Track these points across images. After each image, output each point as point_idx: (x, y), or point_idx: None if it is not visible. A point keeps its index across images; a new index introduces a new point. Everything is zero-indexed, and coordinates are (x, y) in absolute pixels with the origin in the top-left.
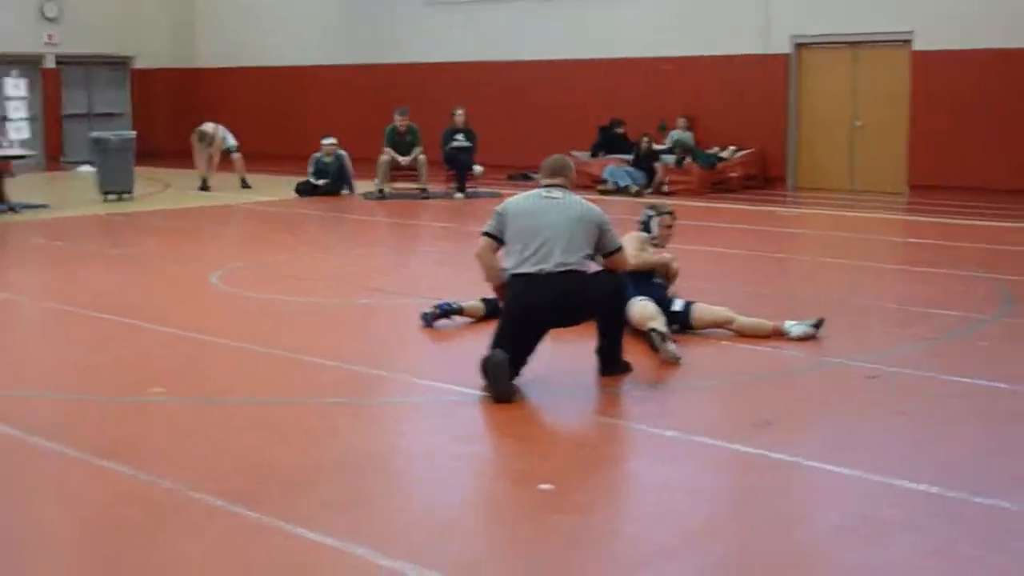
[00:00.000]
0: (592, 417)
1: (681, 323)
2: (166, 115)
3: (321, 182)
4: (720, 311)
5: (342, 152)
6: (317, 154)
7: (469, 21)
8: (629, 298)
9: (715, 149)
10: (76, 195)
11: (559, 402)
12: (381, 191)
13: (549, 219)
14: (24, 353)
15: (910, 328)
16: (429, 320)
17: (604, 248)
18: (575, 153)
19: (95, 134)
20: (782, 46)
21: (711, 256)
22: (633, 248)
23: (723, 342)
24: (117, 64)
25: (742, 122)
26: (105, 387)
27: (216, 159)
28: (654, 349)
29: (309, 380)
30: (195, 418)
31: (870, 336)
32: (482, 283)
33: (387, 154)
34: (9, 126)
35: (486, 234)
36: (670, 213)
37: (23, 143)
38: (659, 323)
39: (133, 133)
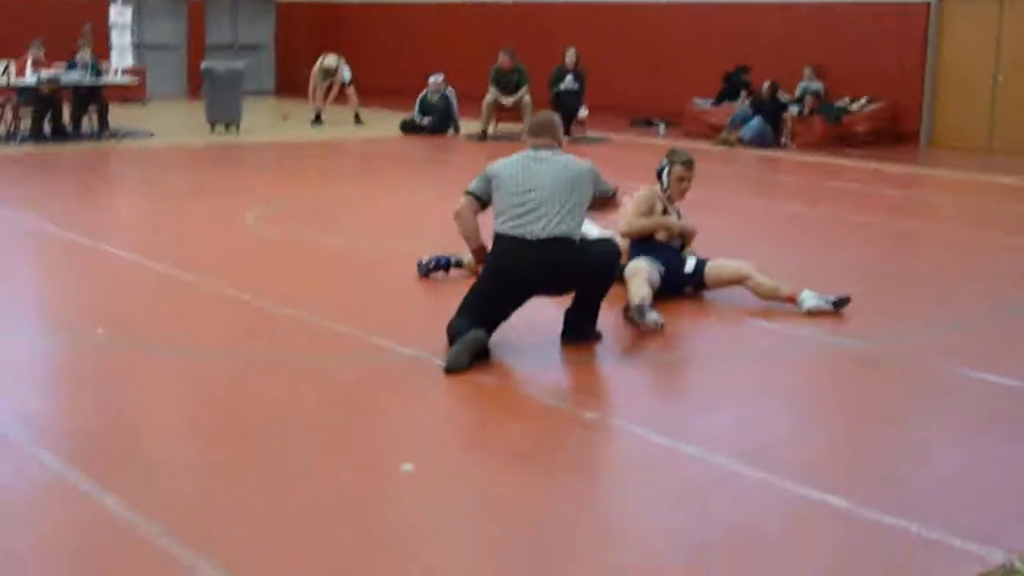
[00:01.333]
0: (522, 392)
1: (695, 284)
2: (307, 48)
3: (425, 120)
4: (737, 266)
5: (449, 90)
6: (424, 92)
7: None
8: (635, 257)
9: (845, 101)
10: (187, 125)
11: (509, 372)
12: (484, 132)
13: (540, 181)
14: None
15: (953, 308)
16: (424, 270)
17: (607, 196)
18: (696, 100)
19: (204, 64)
20: None
21: (782, 217)
22: (632, 211)
23: (732, 311)
24: None
25: (876, 74)
26: (53, 320)
27: (335, 92)
28: (632, 323)
29: (261, 331)
30: (109, 362)
31: (907, 315)
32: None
33: (491, 94)
34: (112, 53)
35: (469, 193)
36: (687, 162)
37: (126, 71)
38: (645, 297)
39: (241, 64)
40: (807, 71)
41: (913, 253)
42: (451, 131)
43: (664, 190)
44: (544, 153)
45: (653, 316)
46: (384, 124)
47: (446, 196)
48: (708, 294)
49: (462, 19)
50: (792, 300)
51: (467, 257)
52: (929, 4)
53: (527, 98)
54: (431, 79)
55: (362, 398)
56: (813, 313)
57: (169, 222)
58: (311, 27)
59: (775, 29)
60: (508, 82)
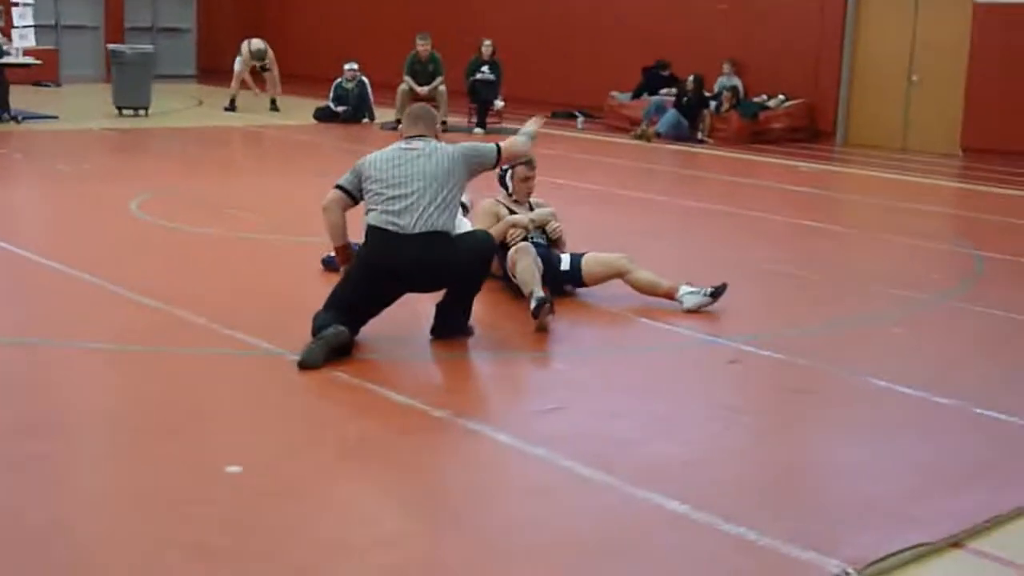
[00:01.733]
0: (373, 389)
1: (574, 280)
2: (230, 33)
3: (340, 109)
4: (613, 259)
5: (364, 79)
6: (339, 79)
7: None
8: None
9: (763, 97)
10: (95, 109)
11: (367, 368)
12: (398, 121)
13: (412, 174)
14: None
15: (839, 306)
16: (328, 265)
17: (483, 167)
18: (615, 94)
19: (112, 46)
20: None
21: (679, 211)
22: (486, 225)
23: (609, 309)
24: None
25: (794, 71)
26: None
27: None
28: (533, 315)
29: (110, 318)
30: None
31: (788, 313)
32: None
33: (406, 83)
34: (14, 33)
35: (338, 187)
36: (528, 163)
37: (28, 52)
38: (538, 287)
39: (151, 47)
40: (726, 66)
41: (805, 250)
42: (366, 119)
43: (509, 194)
44: (416, 143)
45: (546, 320)
46: (300, 111)
47: None
48: (588, 291)
49: (381, 5)
50: (671, 295)
51: None
52: (847, 0)
53: (442, 88)
54: (346, 67)
55: (201, 393)
56: (693, 312)
57: (47, 206)
58: (235, 11)
59: (695, 23)
60: (424, 71)
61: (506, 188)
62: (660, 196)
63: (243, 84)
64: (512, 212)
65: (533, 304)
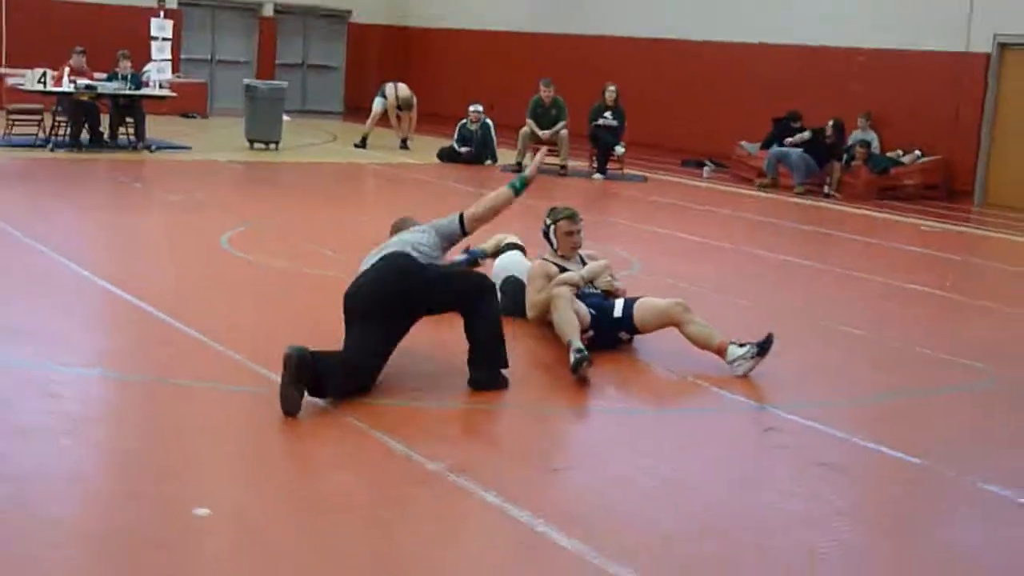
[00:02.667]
0: (374, 437)
1: (628, 328)
2: (376, 72)
3: (464, 149)
4: (666, 306)
5: (488, 121)
6: (463, 120)
7: None
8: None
9: (898, 153)
10: (229, 142)
11: (376, 414)
12: (519, 164)
13: (384, 249)
14: None
15: (906, 376)
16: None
17: (453, 234)
18: (743, 144)
19: (246, 81)
20: (984, 44)
21: (783, 266)
22: (532, 292)
23: (664, 366)
24: (335, 17)
25: (930, 126)
26: None
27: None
28: (572, 371)
29: (138, 343)
30: None
31: (848, 380)
32: None
33: (528, 126)
34: (151, 66)
35: None
36: (570, 216)
37: (163, 85)
38: (576, 337)
39: (284, 83)
40: (861, 120)
41: (900, 317)
42: (489, 161)
43: (554, 250)
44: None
45: (585, 373)
46: (426, 151)
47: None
48: (646, 345)
49: (510, 47)
50: (722, 352)
51: (489, 245)
52: (989, 55)
53: (564, 132)
54: (471, 108)
55: (196, 430)
56: (744, 372)
57: (139, 235)
58: (381, 51)
59: (830, 74)
60: (547, 115)
61: (551, 244)
62: (759, 249)
63: (386, 122)
64: (562, 269)
65: (572, 360)
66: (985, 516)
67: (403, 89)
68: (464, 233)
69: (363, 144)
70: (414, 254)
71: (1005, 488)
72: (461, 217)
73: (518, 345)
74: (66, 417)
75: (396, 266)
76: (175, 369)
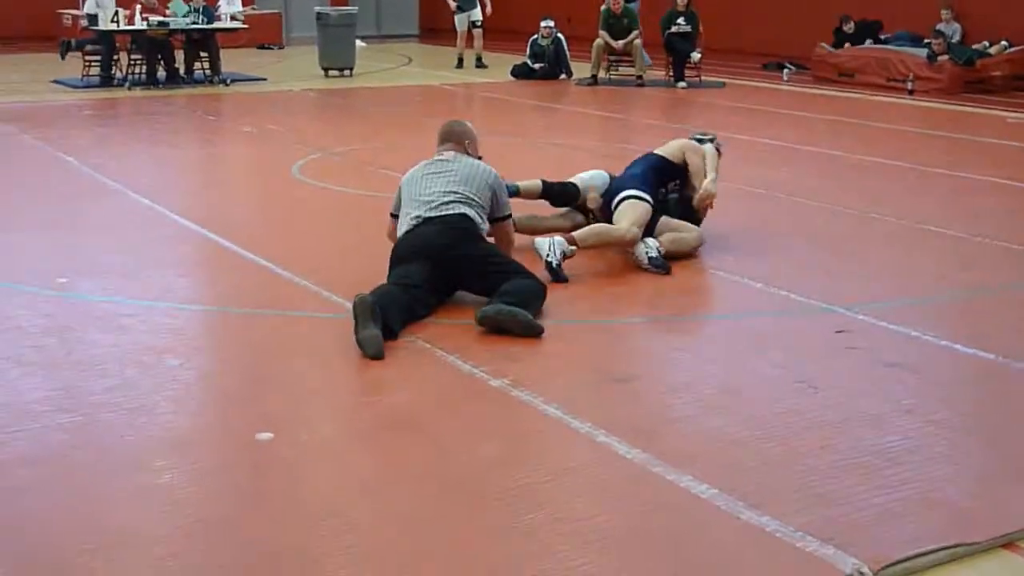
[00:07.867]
0: (434, 355)
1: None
2: None
3: (537, 66)
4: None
5: (560, 35)
6: (535, 36)
7: None
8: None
9: (984, 44)
10: (305, 71)
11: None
12: (595, 77)
13: (442, 177)
14: None
15: (985, 273)
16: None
17: (494, 213)
18: (823, 45)
19: (317, 9)
20: None
21: (858, 166)
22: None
23: (732, 272)
24: None
25: (1018, 15)
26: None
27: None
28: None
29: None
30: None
31: (928, 278)
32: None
33: (601, 38)
34: (222, 0)
35: (392, 215)
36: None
37: (235, 17)
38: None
39: (355, 9)
40: (944, 13)
41: (978, 212)
42: (563, 76)
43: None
44: (447, 155)
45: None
46: (501, 68)
47: (537, 147)
48: (713, 250)
49: None
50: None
51: (522, 184)
52: None
53: (638, 42)
54: (543, 24)
55: (267, 356)
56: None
57: (213, 166)
58: None
59: None
60: (619, 25)
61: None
62: (836, 151)
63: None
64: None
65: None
66: None
67: (475, 12)
68: (497, 219)
69: (460, 65)
70: (471, 214)
71: None
72: (510, 214)
73: (581, 255)
74: (133, 348)
75: (452, 234)
76: (242, 298)
